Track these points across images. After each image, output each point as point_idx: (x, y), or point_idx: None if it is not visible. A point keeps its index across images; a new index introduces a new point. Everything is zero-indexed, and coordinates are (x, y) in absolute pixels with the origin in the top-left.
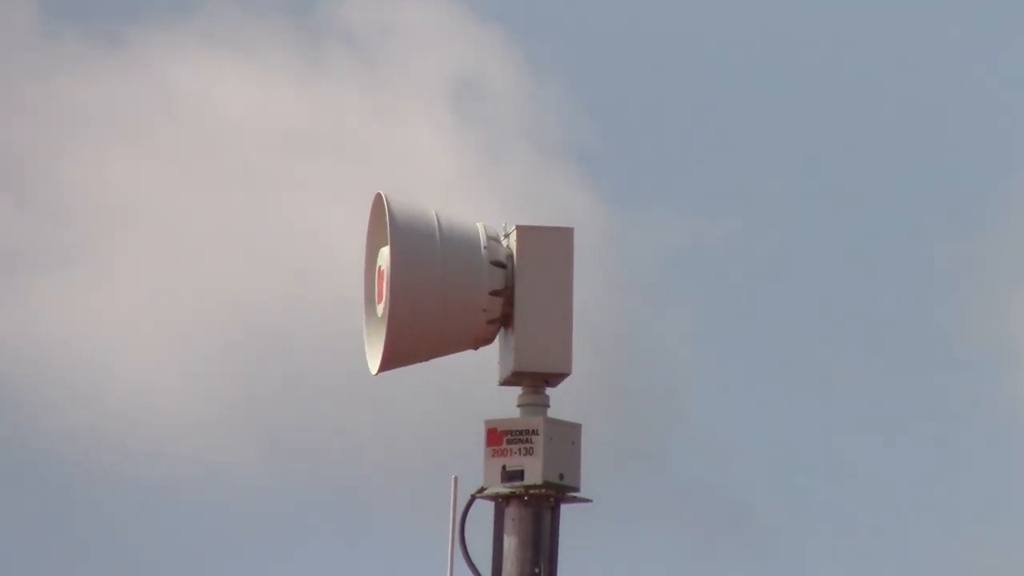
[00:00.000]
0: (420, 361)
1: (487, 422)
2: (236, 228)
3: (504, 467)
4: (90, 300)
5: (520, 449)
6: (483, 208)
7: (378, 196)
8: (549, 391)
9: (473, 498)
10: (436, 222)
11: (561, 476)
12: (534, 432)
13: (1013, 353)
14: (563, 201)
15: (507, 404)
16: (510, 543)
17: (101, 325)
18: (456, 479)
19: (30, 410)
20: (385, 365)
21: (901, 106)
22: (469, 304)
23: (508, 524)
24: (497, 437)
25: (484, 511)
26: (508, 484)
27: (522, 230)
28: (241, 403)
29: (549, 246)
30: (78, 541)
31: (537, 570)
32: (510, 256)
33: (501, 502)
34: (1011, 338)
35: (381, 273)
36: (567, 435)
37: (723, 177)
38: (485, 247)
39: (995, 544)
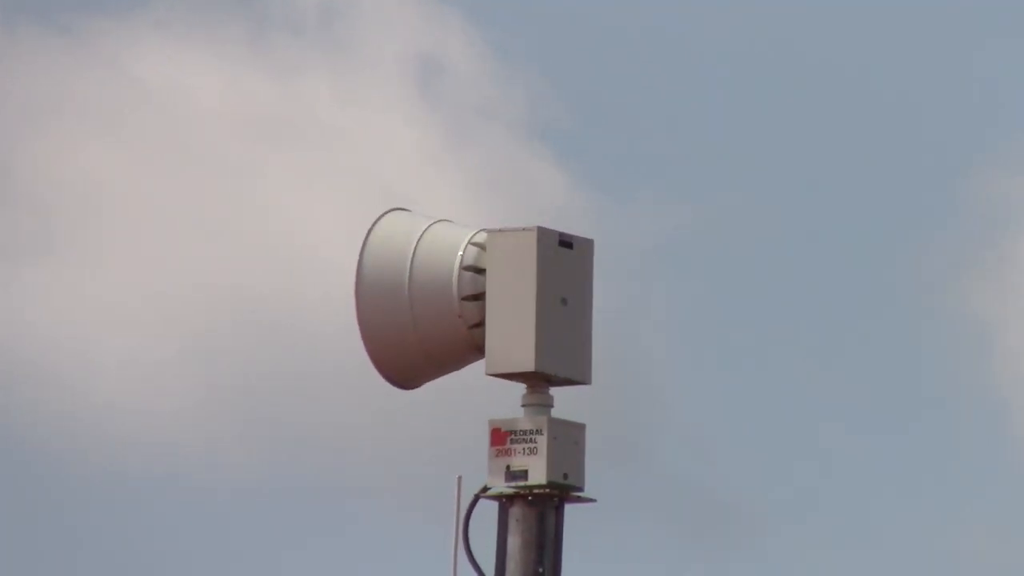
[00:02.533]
0: (435, 376)
1: (491, 422)
2: (213, 215)
3: (508, 467)
4: (68, 290)
5: (524, 449)
6: (450, 191)
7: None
8: (553, 391)
9: (477, 498)
10: (417, 239)
11: (565, 476)
12: (538, 432)
13: (981, 340)
14: (532, 183)
15: (511, 404)
16: (514, 543)
17: (81, 316)
18: (460, 479)
19: (12, 402)
20: (402, 386)
21: (876, 100)
22: (442, 312)
23: (512, 524)
24: (501, 437)
25: (488, 511)
26: (512, 484)
27: (489, 234)
28: (236, 397)
29: (513, 247)
30: (62, 532)
31: (541, 570)
32: None
33: (505, 502)
34: (979, 325)
35: None
36: (571, 435)
37: (700, 163)
38: (461, 253)
39: (983, 534)
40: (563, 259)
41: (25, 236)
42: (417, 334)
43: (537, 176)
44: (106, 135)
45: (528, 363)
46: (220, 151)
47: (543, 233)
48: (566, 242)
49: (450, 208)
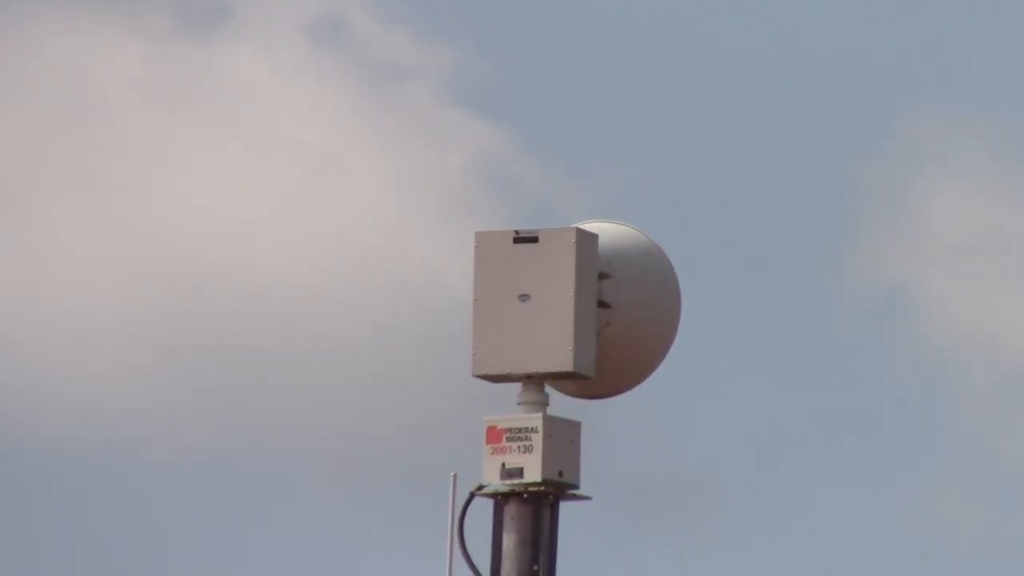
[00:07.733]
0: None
1: (487, 420)
2: (136, 182)
3: (503, 465)
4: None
5: (519, 447)
6: (371, 153)
7: None
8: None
9: (472, 495)
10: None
11: (560, 473)
12: (533, 430)
13: (909, 304)
14: (459, 143)
15: (507, 402)
16: (509, 541)
17: (19, 281)
18: (455, 476)
19: None
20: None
21: (802, 65)
22: None
23: (507, 522)
24: (496, 435)
25: (483, 509)
26: (507, 482)
27: None
28: (180, 363)
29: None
30: (12, 503)
31: (536, 567)
32: None
33: (500, 500)
34: (898, 288)
35: None
36: (566, 433)
37: (633, 124)
38: None
39: (942, 508)
40: (521, 255)
41: None
42: None
43: (457, 137)
44: (19, 103)
45: (479, 367)
46: (136, 117)
47: (480, 236)
48: (526, 237)
49: (365, 168)
